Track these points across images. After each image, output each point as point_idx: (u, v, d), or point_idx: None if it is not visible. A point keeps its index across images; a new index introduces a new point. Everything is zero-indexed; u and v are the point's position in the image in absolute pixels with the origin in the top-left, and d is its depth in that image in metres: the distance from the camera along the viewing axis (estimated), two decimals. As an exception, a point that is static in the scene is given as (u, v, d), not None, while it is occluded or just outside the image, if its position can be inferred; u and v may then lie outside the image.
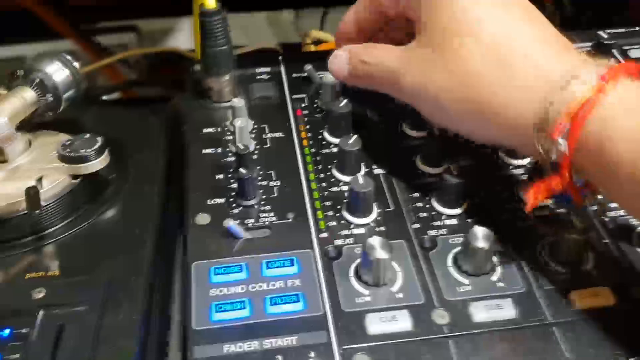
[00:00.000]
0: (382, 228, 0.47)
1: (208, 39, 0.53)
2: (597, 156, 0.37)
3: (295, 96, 0.59)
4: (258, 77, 0.61)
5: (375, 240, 0.42)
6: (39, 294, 0.42)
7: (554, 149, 0.39)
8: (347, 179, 0.50)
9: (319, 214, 0.48)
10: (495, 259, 0.44)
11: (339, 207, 0.48)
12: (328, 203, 0.49)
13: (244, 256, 0.45)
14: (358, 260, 0.44)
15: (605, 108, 0.37)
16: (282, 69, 0.62)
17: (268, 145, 0.54)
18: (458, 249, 0.45)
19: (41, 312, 0.41)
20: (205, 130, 0.55)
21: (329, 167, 0.51)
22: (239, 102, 0.53)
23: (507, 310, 0.41)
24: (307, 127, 0.56)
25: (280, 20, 1.14)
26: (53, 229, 0.47)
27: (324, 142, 0.54)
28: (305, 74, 0.60)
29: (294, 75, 0.61)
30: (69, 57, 0.53)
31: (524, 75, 0.40)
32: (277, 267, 0.44)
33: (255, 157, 0.52)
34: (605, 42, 0.61)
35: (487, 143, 0.47)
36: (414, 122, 0.53)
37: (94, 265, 0.44)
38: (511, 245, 0.45)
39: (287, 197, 0.49)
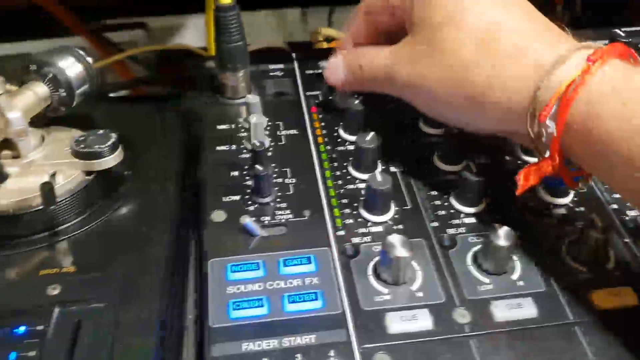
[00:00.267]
0: (400, 226, 0.46)
1: (223, 34, 0.53)
2: (586, 136, 0.38)
3: (309, 93, 0.58)
4: (271, 73, 0.61)
5: (395, 238, 0.41)
6: (54, 290, 0.42)
7: (543, 131, 0.39)
8: (363, 176, 0.50)
9: (336, 211, 0.47)
10: (515, 257, 0.44)
11: (355, 204, 0.48)
12: (344, 201, 0.48)
13: (261, 254, 0.44)
14: (376, 259, 0.43)
15: (592, 89, 0.37)
16: (296, 65, 0.62)
17: (283, 142, 0.53)
18: (478, 247, 0.44)
19: (57, 309, 0.40)
20: (220, 127, 0.54)
21: (345, 164, 0.51)
22: (253, 98, 0.52)
23: (528, 310, 0.41)
24: (322, 124, 0.55)
25: (286, 18, 1.14)
26: (67, 225, 0.47)
27: (339, 140, 0.54)
28: (319, 71, 0.60)
29: (308, 72, 0.61)
30: (82, 52, 0.52)
31: (516, 64, 0.41)
32: (295, 265, 0.43)
33: (270, 154, 0.52)
34: (622, 40, 0.60)
35: (482, 132, 0.46)
36: (431, 120, 0.53)
37: (109, 262, 0.44)
38: (531, 244, 0.45)
39: (302, 194, 0.49)
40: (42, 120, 0.51)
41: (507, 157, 0.52)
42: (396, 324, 0.40)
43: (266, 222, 0.46)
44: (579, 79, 0.37)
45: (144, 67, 0.93)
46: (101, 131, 0.49)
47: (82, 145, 0.48)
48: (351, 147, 0.52)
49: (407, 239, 0.41)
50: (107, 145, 0.47)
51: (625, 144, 0.36)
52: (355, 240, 0.45)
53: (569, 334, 0.40)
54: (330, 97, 0.57)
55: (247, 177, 0.49)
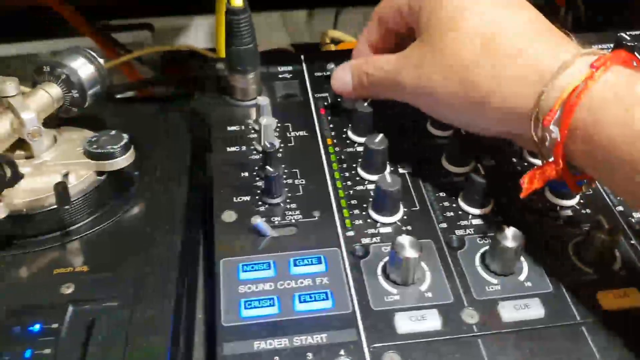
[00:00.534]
0: (409, 227, 0.47)
1: (234, 37, 0.53)
2: (589, 142, 0.38)
3: (318, 95, 0.59)
4: (280, 75, 0.61)
5: (404, 239, 0.42)
6: (68, 289, 0.42)
7: (547, 136, 0.40)
8: (372, 177, 0.50)
9: (345, 212, 0.48)
10: (522, 258, 0.44)
11: (364, 205, 0.48)
12: (354, 202, 0.49)
13: (271, 254, 0.45)
14: (386, 259, 0.44)
15: (595, 95, 0.38)
16: (304, 67, 0.62)
17: (292, 143, 0.54)
18: (486, 248, 0.45)
19: (71, 308, 0.41)
20: (230, 128, 0.55)
21: (354, 165, 0.52)
22: (263, 100, 0.53)
23: (535, 310, 0.41)
24: (331, 125, 0.56)
25: (293, 20, 1.14)
26: (79, 224, 0.48)
27: (348, 141, 0.54)
28: (328, 73, 0.60)
29: (316, 74, 0.61)
30: (93, 53, 0.53)
31: (519, 68, 0.41)
32: (305, 265, 0.44)
33: (280, 155, 0.52)
34: (628, 43, 0.60)
35: (486, 134, 0.46)
36: (439, 122, 0.53)
37: (122, 261, 0.44)
38: (538, 245, 0.45)
39: (312, 195, 0.49)
40: (54, 121, 0.52)
41: (514, 159, 0.53)
42: (405, 323, 0.40)
43: (276, 222, 0.47)
44: (582, 85, 0.38)
45: (150, 68, 0.93)
46: (113, 132, 0.49)
47: (95, 146, 0.48)
48: (360, 149, 0.53)
49: (416, 239, 0.42)
50: (119, 145, 0.48)
51: (627, 149, 0.36)
52: (365, 240, 0.46)
53: (576, 334, 0.40)
54: (338, 99, 0.57)
55: (257, 178, 0.50)
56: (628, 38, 0.62)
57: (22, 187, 0.46)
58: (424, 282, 0.43)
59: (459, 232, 0.46)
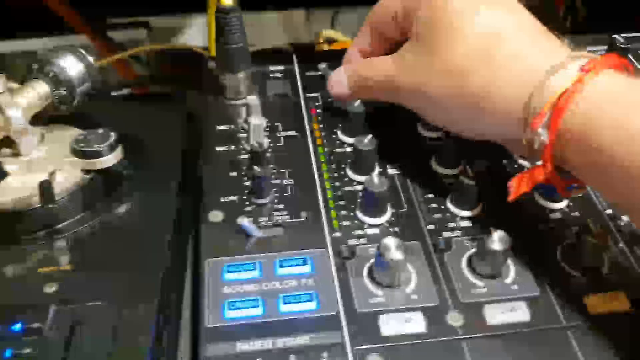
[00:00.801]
0: (396, 229, 0.47)
1: (224, 36, 0.53)
2: (578, 145, 0.38)
3: (309, 95, 0.59)
4: (272, 75, 0.61)
5: (390, 241, 0.41)
6: (52, 288, 0.42)
7: (536, 139, 0.39)
8: (361, 178, 0.50)
9: (332, 213, 0.48)
10: (509, 261, 0.44)
11: (352, 206, 0.48)
12: (341, 202, 0.48)
13: (257, 254, 0.44)
14: (372, 261, 0.44)
15: (585, 98, 0.38)
16: (296, 67, 0.62)
17: (281, 143, 0.53)
18: (473, 250, 0.44)
19: (53, 307, 0.41)
20: (220, 127, 0.55)
21: (343, 166, 0.51)
22: (253, 99, 0.53)
23: (521, 313, 0.41)
24: (321, 126, 0.55)
25: (290, 19, 1.14)
26: (66, 223, 0.47)
27: (337, 142, 0.54)
28: (320, 73, 0.60)
29: (308, 73, 0.61)
30: (83, 52, 0.52)
31: (511, 70, 0.41)
32: (291, 266, 0.44)
33: (268, 155, 0.52)
34: (622, 45, 0.60)
35: (481, 138, 0.46)
36: (430, 123, 0.53)
37: (107, 261, 0.44)
38: (526, 248, 0.45)
39: (300, 196, 0.49)
40: (43, 119, 0.52)
41: (504, 161, 0.52)
42: (390, 326, 0.40)
43: (263, 223, 0.47)
44: (572, 88, 0.38)
45: (145, 66, 0.93)
46: (101, 130, 0.49)
47: (82, 144, 0.48)
48: (349, 149, 0.52)
49: (402, 241, 0.42)
50: (106, 144, 0.48)
51: (618, 152, 0.36)
52: (352, 242, 0.46)
53: (562, 338, 0.40)
54: (330, 99, 0.57)
55: (246, 178, 0.50)
56: (622, 40, 0.62)
57: (9, 185, 0.46)
58: (409, 284, 0.43)
59: (446, 234, 0.46)
